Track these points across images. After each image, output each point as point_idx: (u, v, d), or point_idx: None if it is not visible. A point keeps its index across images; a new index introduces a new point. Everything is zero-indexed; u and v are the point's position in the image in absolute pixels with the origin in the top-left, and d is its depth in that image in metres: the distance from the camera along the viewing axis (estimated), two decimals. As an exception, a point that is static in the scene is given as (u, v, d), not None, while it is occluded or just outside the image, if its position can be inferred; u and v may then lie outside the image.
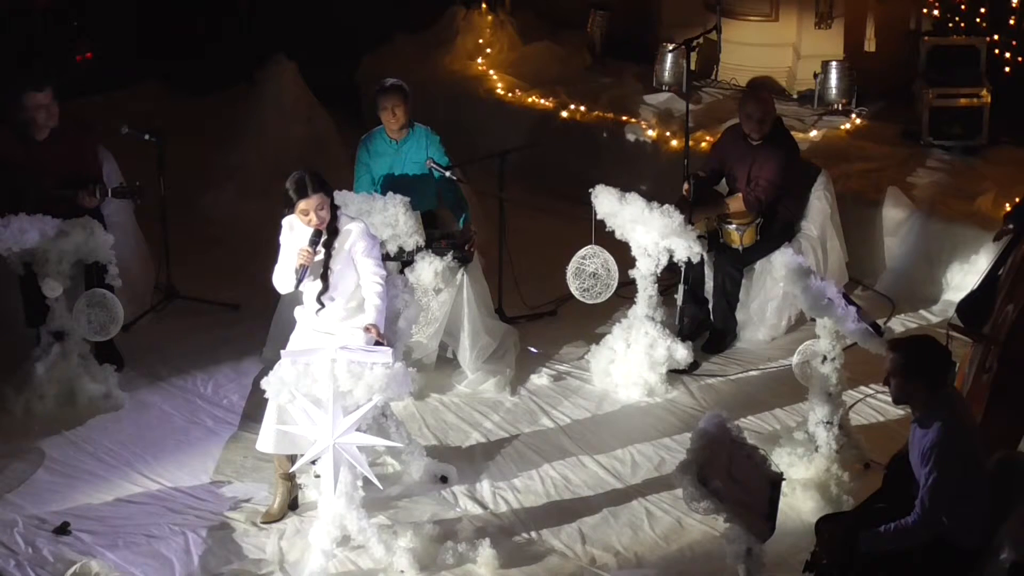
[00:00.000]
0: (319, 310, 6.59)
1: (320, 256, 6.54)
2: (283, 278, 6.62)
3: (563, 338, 8.50)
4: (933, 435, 5.48)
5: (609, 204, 7.74)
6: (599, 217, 7.79)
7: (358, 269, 6.59)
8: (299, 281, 6.54)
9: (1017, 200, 8.42)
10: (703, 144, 9.73)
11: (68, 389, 7.67)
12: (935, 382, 5.56)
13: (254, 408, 7.51)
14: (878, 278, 9.09)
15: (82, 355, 7.72)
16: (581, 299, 7.97)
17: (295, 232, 6.60)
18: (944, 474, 5.42)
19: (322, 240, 6.53)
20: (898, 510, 5.57)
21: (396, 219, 7.78)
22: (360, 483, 6.28)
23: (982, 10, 10.19)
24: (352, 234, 6.57)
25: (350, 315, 6.62)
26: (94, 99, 11.20)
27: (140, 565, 6.41)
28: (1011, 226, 7.33)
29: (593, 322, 8.50)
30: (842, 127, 10.25)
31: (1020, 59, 10.12)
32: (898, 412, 7.60)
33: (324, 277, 6.56)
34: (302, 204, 6.47)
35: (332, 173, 8.51)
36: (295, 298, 6.74)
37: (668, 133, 10.22)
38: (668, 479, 6.93)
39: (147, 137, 8.69)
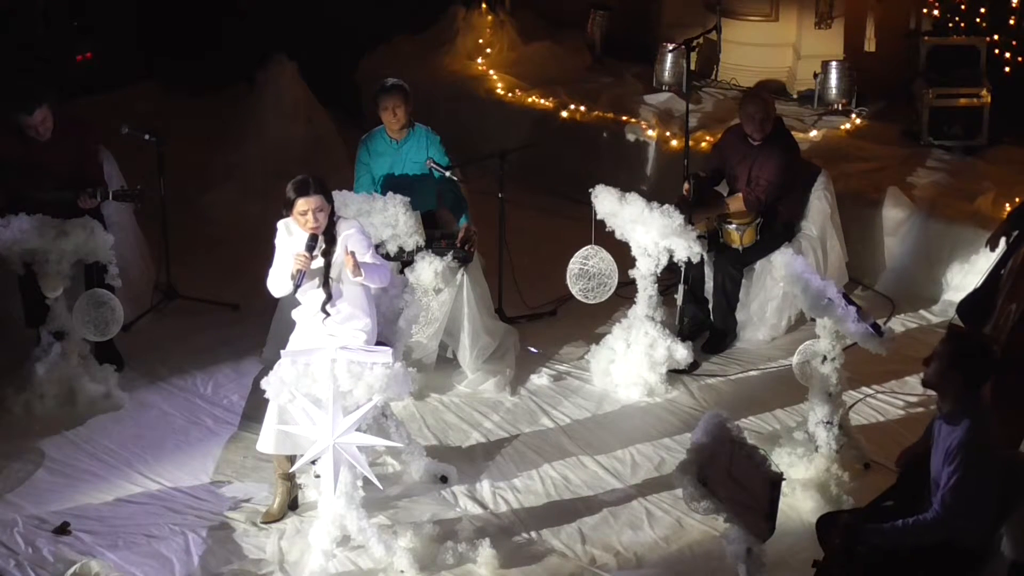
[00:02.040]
0: (325, 319, 6.58)
1: (319, 264, 6.52)
2: (279, 282, 6.61)
3: (563, 338, 8.50)
4: (961, 433, 5.42)
5: (609, 204, 7.73)
6: (599, 217, 7.79)
7: (358, 266, 6.59)
8: (296, 286, 6.53)
9: (1015, 203, 8.41)
10: (703, 144, 9.73)
11: (68, 389, 7.66)
12: (972, 382, 5.51)
13: (254, 408, 7.51)
14: (878, 278, 9.09)
15: (82, 355, 7.72)
16: (582, 299, 7.97)
17: (293, 237, 6.57)
18: (968, 474, 5.38)
19: (320, 248, 6.51)
20: (905, 508, 5.56)
21: (396, 219, 7.77)
22: (360, 483, 6.28)
23: (982, 10, 10.18)
24: (348, 237, 6.55)
25: (351, 317, 6.62)
26: (94, 99, 11.19)
27: (140, 565, 6.41)
28: (1016, 233, 7.31)
29: (593, 322, 8.50)
30: (842, 127, 10.24)
31: (1020, 59, 10.11)
32: (898, 412, 7.61)
33: (326, 286, 6.55)
34: (301, 203, 6.43)
35: (332, 173, 8.57)
36: (295, 299, 6.73)
37: (668, 133, 10.21)
38: (668, 479, 6.92)
39: (147, 137, 8.67)
